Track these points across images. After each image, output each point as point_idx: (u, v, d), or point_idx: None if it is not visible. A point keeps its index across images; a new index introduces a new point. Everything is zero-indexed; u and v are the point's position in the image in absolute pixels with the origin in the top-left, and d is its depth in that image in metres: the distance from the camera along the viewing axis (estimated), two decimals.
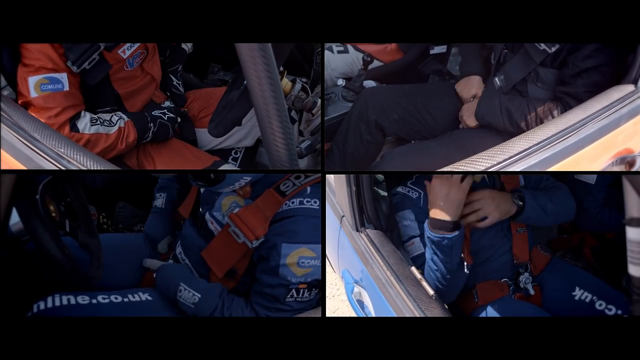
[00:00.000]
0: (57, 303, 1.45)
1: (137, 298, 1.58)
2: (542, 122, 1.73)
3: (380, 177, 2.07)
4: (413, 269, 1.50)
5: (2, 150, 1.38)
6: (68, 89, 1.67)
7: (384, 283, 1.52)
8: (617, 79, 1.61)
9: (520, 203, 1.68)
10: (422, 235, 1.66)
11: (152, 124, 1.92)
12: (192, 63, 2.37)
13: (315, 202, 1.53)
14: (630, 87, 1.55)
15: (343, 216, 1.84)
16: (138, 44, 1.86)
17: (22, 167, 1.36)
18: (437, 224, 1.53)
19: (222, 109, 1.73)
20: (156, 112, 1.97)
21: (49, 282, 1.49)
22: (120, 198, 2.38)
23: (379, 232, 1.71)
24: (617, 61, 1.66)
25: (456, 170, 1.37)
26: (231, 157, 2.21)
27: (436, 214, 1.53)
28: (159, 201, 2.04)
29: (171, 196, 2.05)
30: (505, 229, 1.78)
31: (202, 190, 1.73)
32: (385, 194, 1.96)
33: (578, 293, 1.73)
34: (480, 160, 1.38)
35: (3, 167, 1.38)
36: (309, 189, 1.55)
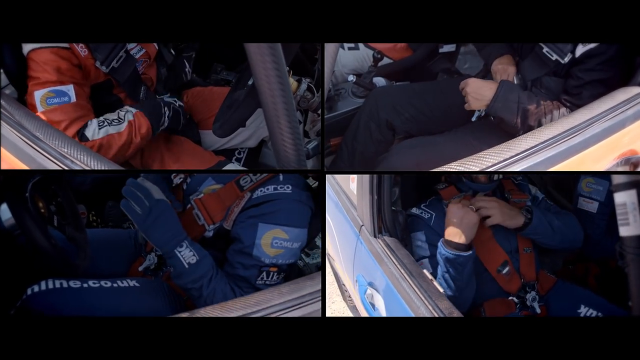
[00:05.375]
0: (50, 286, 1.48)
1: (125, 284, 1.62)
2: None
3: (395, 194, 1.96)
4: (425, 271, 1.54)
5: (5, 150, 1.37)
6: (75, 100, 1.64)
7: (398, 278, 1.55)
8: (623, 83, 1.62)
9: (529, 216, 1.75)
10: (431, 257, 1.74)
11: (166, 108, 1.88)
12: (195, 63, 2.37)
13: (288, 187, 1.62)
14: (636, 89, 1.56)
15: (362, 225, 1.87)
16: (144, 51, 1.89)
17: (25, 167, 1.35)
18: (452, 244, 1.61)
19: (226, 108, 1.73)
20: (167, 99, 1.95)
21: (39, 271, 1.53)
22: (110, 197, 2.35)
23: (395, 240, 1.74)
24: (621, 73, 1.67)
25: (462, 166, 1.38)
26: (234, 157, 2.21)
27: (451, 236, 1.62)
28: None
29: None
30: (514, 250, 1.82)
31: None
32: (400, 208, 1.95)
33: (583, 310, 1.74)
34: (487, 157, 1.39)
35: (6, 167, 1.37)
36: (281, 176, 1.64)
